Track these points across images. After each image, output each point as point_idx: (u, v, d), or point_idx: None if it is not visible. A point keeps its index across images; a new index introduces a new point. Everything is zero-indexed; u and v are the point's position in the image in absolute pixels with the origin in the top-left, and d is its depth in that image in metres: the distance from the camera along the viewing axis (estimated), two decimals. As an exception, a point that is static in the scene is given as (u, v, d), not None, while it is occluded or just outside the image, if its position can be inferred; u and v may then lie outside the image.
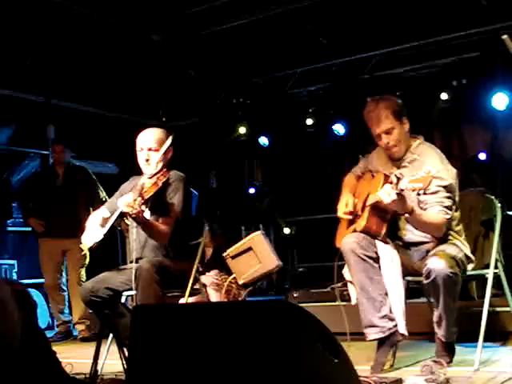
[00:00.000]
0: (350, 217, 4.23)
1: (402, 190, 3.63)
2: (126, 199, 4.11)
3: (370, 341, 4.05)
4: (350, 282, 4.20)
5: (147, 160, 4.48)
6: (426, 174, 3.57)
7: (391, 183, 3.71)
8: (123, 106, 9.53)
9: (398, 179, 3.66)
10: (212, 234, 5.69)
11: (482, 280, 4.22)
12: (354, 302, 4.20)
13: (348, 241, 4.06)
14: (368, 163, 4.43)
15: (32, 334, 2.80)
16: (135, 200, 4.06)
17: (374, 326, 4.00)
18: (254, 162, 10.76)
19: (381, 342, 4.04)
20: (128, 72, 8.58)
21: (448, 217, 3.90)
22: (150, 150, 4.49)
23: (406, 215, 3.87)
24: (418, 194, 3.64)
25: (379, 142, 4.14)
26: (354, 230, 4.12)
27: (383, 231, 4.03)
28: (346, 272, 4.24)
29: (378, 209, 3.94)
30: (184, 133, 7.53)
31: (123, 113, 9.71)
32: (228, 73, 9.15)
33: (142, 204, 4.12)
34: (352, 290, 4.22)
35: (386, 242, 4.04)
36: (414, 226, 4.00)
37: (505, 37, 3.15)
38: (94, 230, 4.47)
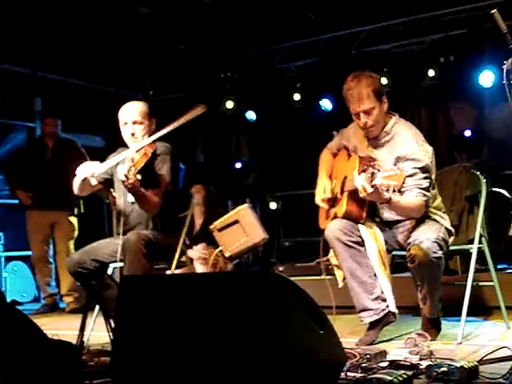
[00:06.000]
0: (327, 206, 4.23)
1: (376, 186, 3.61)
2: (123, 169, 4.09)
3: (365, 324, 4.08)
4: (336, 266, 4.22)
5: (133, 134, 4.47)
6: (399, 171, 3.57)
7: (365, 171, 3.69)
8: (110, 79, 9.45)
9: (373, 174, 3.64)
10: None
11: (466, 255, 4.26)
12: (340, 285, 4.23)
13: (332, 228, 4.06)
14: (343, 138, 4.38)
15: None
16: (129, 170, 4.04)
17: (368, 310, 4.02)
18: (241, 136, 10.72)
19: (374, 323, 4.06)
20: (115, 45, 8.50)
21: (426, 198, 3.90)
22: (134, 123, 4.49)
23: (384, 205, 3.90)
24: (394, 191, 3.61)
25: (357, 120, 4.09)
26: (335, 215, 4.13)
27: (364, 215, 4.04)
28: (332, 257, 4.25)
29: (356, 194, 3.88)
30: (171, 107, 7.48)
31: (110, 86, 9.64)
32: (216, 47, 9.10)
33: (137, 174, 4.10)
34: (338, 275, 4.24)
35: (367, 225, 4.06)
36: (393, 211, 3.99)
37: (494, 11, 3.14)
38: (92, 164, 4.45)
